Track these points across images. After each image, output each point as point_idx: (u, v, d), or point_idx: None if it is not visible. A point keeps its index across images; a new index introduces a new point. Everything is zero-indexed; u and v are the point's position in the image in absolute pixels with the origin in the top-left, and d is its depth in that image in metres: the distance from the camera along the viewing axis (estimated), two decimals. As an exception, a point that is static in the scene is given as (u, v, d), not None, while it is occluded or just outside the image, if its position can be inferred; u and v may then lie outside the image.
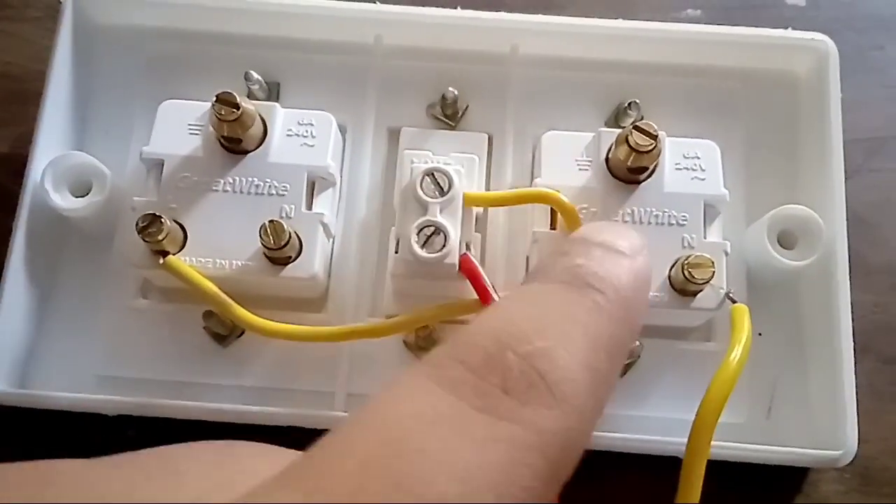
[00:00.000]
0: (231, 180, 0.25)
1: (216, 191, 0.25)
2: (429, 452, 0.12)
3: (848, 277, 0.26)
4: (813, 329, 0.27)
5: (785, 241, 0.26)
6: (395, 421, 0.13)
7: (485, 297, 0.23)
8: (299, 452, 0.14)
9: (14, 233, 0.26)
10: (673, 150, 0.26)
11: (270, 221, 0.24)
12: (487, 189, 0.27)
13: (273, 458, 0.15)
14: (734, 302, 0.24)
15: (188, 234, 0.25)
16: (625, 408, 0.26)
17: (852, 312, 0.25)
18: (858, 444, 0.24)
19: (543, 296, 0.16)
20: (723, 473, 0.22)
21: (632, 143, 0.24)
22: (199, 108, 0.26)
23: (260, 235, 0.23)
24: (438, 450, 0.12)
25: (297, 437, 0.24)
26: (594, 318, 0.16)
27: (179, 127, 0.26)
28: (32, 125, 0.27)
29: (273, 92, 0.28)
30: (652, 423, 0.25)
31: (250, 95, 0.28)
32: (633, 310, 0.17)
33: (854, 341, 0.25)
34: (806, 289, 0.27)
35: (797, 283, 0.27)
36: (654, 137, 0.24)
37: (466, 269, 0.24)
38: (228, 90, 0.24)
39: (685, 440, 0.24)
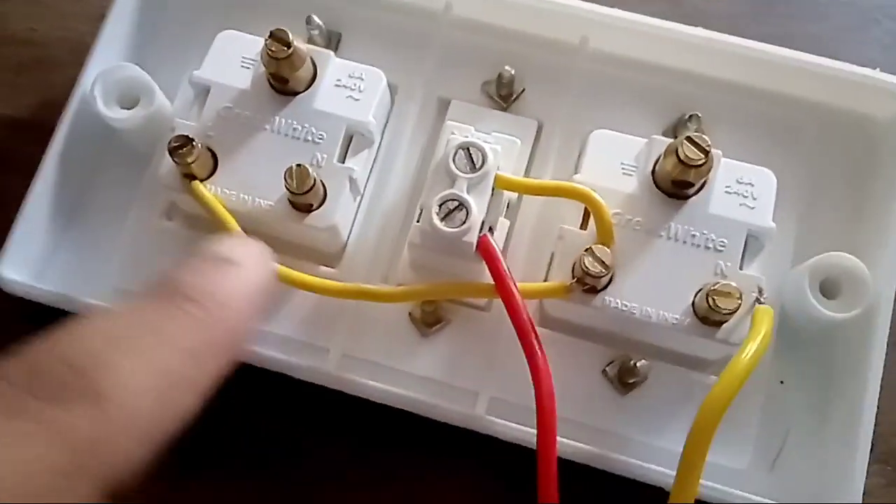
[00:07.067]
0: (271, 119, 0.25)
1: (255, 127, 0.25)
2: None
3: (886, 338, 0.24)
4: (839, 387, 0.25)
5: (828, 290, 0.24)
6: None
7: (500, 282, 0.23)
8: None
9: (55, 133, 0.26)
10: (727, 171, 0.24)
11: (297, 165, 0.23)
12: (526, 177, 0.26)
13: None
14: (761, 303, 0.22)
15: (219, 164, 0.25)
16: (617, 425, 0.25)
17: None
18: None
19: (137, 309, 0.17)
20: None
21: (681, 155, 0.23)
22: (256, 44, 0.26)
23: (284, 178, 0.23)
24: None
25: (283, 383, 0.24)
26: (182, 326, 0.17)
27: (233, 58, 0.26)
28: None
29: (333, 41, 0.28)
30: (638, 446, 0.24)
31: (310, 40, 0.27)
32: (234, 314, 0.18)
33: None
34: (840, 343, 0.25)
35: (832, 336, 0.25)
36: (706, 153, 0.23)
37: (484, 251, 0.23)
38: (284, 28, 0.24)
39: (665, 470, 0.23)
